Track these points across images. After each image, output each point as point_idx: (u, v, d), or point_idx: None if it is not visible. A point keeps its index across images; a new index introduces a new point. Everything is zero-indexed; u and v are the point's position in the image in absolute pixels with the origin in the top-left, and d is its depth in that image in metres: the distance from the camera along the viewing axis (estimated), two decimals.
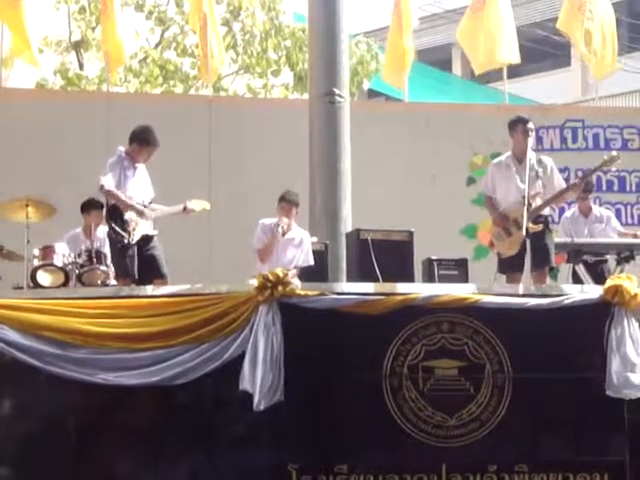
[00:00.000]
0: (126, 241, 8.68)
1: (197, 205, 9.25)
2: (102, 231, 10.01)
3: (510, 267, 9.01)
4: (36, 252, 9.22)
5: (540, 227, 8.88)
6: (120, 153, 8.97)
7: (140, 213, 8.77)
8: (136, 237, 8.72)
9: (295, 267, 9.25)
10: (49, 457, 6.92)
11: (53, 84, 17.40)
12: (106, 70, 13.49)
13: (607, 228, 10.78)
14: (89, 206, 10.12)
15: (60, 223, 9.95)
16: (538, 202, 8.95)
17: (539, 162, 9.12)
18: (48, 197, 9.61)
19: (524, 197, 8.73)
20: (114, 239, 8.81)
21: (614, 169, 9.69)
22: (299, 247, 9.41)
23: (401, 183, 12.33)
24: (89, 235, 10.00)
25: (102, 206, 9.86)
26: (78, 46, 18.25)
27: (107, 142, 10.32)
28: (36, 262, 9.16)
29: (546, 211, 9.13)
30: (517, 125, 9.19)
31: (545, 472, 7.14)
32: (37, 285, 8.95)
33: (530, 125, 9.16)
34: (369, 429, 7.09)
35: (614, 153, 9.27)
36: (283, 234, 9.35)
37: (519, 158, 9.12)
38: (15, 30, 12.51)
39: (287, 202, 9.44)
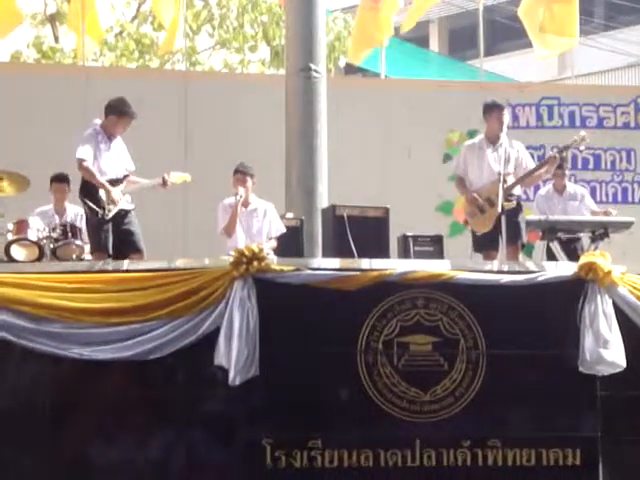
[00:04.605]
0: (100, 217, 8.66)
1: (177, 178, 9.24)
2: (72, 211, 10.02)
3: (485, 245, 9.10)
4: (10, 226, 9.17)
5: (513, 204, 8.97)
6: (95, 126, 8.93)
7: (112, 199, 8.72)
8: (111, 213, 8.71)
9: (269, 238, 9.26)
10: (23, 431, 6.90)
11: (27, 57, 17.28)
12: (81, 43, 13.39)
13: (581, 206, 10.83)
14: (51, 180, 10.20)
15: (34, 197, 9.91)
16: (510, 182, 9.04)
17: (511, 145, 9.23)
18: (23, 171, 9.56)
19: (499, 173, 8.80)
20: (89, 214, 8.80)
21: (582, 147, 9.76)
22: (265, 218, 9.40)
23: (377, 160, 12.34)
24: (59, 211, 10.04)
25: (63, 179, 9.93)
26: (53, 19, 18.11)
27: (83, 116, 10.27)
28: (10, 236, 9.11)
29: (517, 191, 9.23)
30: (493, 110, 9.28)
31: (518, 447, 7.19)
32: (11, 259, 8.91)
33: (505, 113, 9.24)
34: (343, 404, 7.12)
35: (583, 132, 9.38)
36: (244, 205, 9.34)
37: (492, 140, 9.25)
38: None
39: (241, 173, 9.43)
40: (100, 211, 8.67)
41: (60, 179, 10.19)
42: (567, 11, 13.06)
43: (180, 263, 7.37)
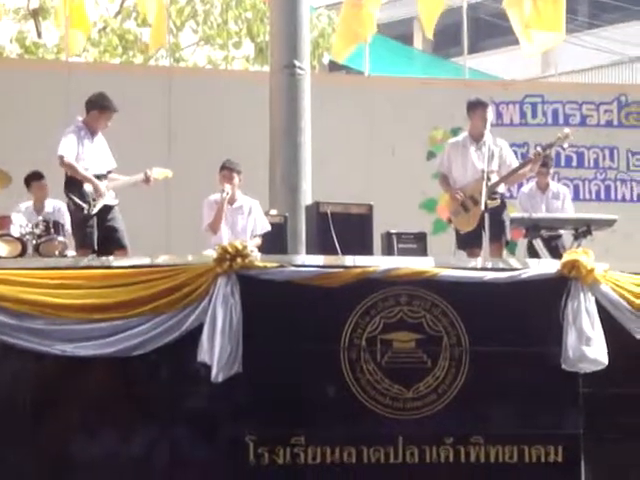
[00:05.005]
0: (86, 212, 8.64)
1: (159, 173, 9.21)
2: (51, 205, 10.00)
3: (468, 243, 9.10)
4: None
5: (498, 202, 8.97)
6: (77, 123, 8.90)
7: (98, 190, 8.71)
8: (96, 208, 8.69)
9: (253, 236, 9.25)
10: (5, 428, 6.87)
11: (10, 52, 17.20)
12: (65, 39, 13.35)
13: (563, 206, 10.86)
14: (29, 180, 10.15)
15: (16, 193, 9.87)
16: (493, 179, 9.03)
17: (494, 142, 9.21)
18: (4, 167, 9.51)
19: (483, 171, 8.80)
20: (74, 210, 8.77)
21: (566, 145, 9.77)
22: (250, 215, 9.38)
23: (361, 157, 12.34)
24: (38, 208, 10.01)
25: (41, 177, 9.91)
26: (36, 14, 18.03)
27: (66, 111, 10.24)
28: None
29: (501, 188, 9.24)
30: (477, 108, 9.26)
31: (500, 444, 7.21)
32: None
33: (489, 110, 9.22)
34: (326, 401, 7.13)
35: (567, 130, 9.37)
36: (229, 202, 9.32)
37: (476, 138, 9.23)
38: None
39: (227, 169, 9.41)
40: (85, 206, 8.64)
41: (39, 177, 10.16)
42: (553, 6, 13.07)
43: (163, 260, 7.36)
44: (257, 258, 7.22)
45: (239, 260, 7.00)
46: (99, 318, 6.91)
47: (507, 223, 9.18)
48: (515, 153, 9.97)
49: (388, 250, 9.51)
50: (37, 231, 9.15)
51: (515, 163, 9.37)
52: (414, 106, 12.54)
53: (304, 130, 10.44)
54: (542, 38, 13.28)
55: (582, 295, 7.28)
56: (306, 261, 7.57)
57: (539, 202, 10.83)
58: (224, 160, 9.50)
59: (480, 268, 7.56)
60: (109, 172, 8.98)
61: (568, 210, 10.85)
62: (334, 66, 18.07)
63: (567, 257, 7.44)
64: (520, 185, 11.20)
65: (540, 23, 13.04)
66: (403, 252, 9.34)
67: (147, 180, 9.10)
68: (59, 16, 13.88)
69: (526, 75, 21.38)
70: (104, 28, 17.83)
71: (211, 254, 7.27)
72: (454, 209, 9.23)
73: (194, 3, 17.60)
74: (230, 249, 7.03)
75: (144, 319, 6.92)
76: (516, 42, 13.79)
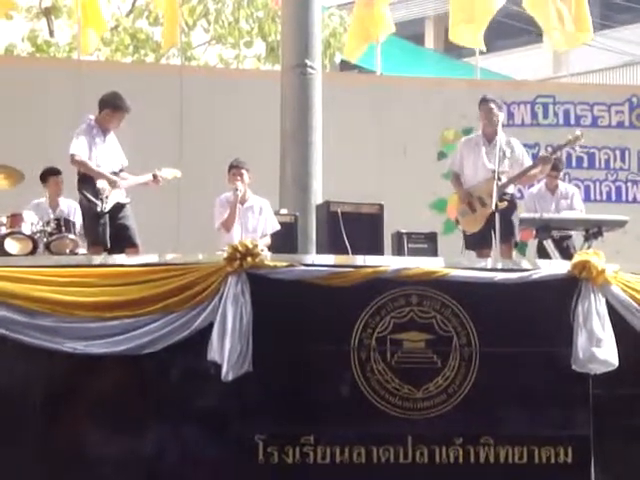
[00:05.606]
0: (99, 209, 8.67)
1: (168, 173, 9.25)
2: (65, 203, 10.02)
3: (475, 244, 9.11)
4: (4, 220, 9.16)
5: (505, 204, 8.95)
6: (89, 121, 8.92)
7: (112, 182, 8.75)
8: (109, 205, 8.71)
9: (263, 235, 9.27)
10: (16, 426, 6.89)
11: (21, 51, 17.24)
12: (81, 35, 13.38)
13: (571, 204, 10.84)
14: (46, 175, 10.16)
15: (27, 191, 9.89)
16: (503, 180, 9.03)
17: (507, 143, 9.20)
18: (16, 164, 9.54)
19: (494, 172, 8.79)
20: (86, 207, 8.80)
21: (577, 147, 9.76)
22: (260, 215, 9.42)
23: (372, 156, 12.33)
24: (53, 205, 10.03)
25: (59, 172, 9.94)
26: (49, 13, 18.07)
27: (77, 110, 10.25)
28: (4, 230, 9.10)
29: (510, 189, 9.23)
30: (482, 104, 9.32)
31: (510, 445, 7.20)
32: (5, 253, 8.89)
33: (492, 105, 9.22)
34: (336, 401, 7.12)
35: (578, 132, 9.36)
36: (240, 201, 9.34)
37: (489, 137, 9.24)
38: None
39: (236, 167, 9.44)
40: (98, 203, 8.67)
41: (56, 172, 10.17)
42: (576, 7, 13.05)
43: (174, 258, 7.37)
44: (267, 257, 7.22)
45: (249, 259, 7.00)
46: (110, 316, 6.92)
47: (516, 224, 9.17)
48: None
49: (398, 250, 9.52)
50: (48, 229, 9.18)
51: (528, 162, 9.35)
52: (426, 106, 12.54)
53: (315, 129, 10.45)
54: (568, 38, 13.28)
55: (593, 296, 7.27)
56: (316, 260, 7.56)
57: (549, 203, 10.81)
58: (232, 159, 9.51)
59: (490, 269, 7.55)
60: (121, 170, 9.01)
61: (577, 207, 10.83)
62: (345, 66, 18.08)
63: (578, 258, 7.43)
64: (531, 185, 11.19)
65: (565, 23, 13.01)
66: (414, 252, 9.35)
67: (155, 180, 9.15)
68: (74, 15, 13.92)
69: (538, 75, 21.35)
70: (116, 27, 17.87)
71: (222, 253, 7.28)
72: (462, 209, 9.25)
73: (206, 2, 17.63)
74: (240, 248, 7.03)
75: (155, 317, 6.93)
76: (527, 43, 13.81)
